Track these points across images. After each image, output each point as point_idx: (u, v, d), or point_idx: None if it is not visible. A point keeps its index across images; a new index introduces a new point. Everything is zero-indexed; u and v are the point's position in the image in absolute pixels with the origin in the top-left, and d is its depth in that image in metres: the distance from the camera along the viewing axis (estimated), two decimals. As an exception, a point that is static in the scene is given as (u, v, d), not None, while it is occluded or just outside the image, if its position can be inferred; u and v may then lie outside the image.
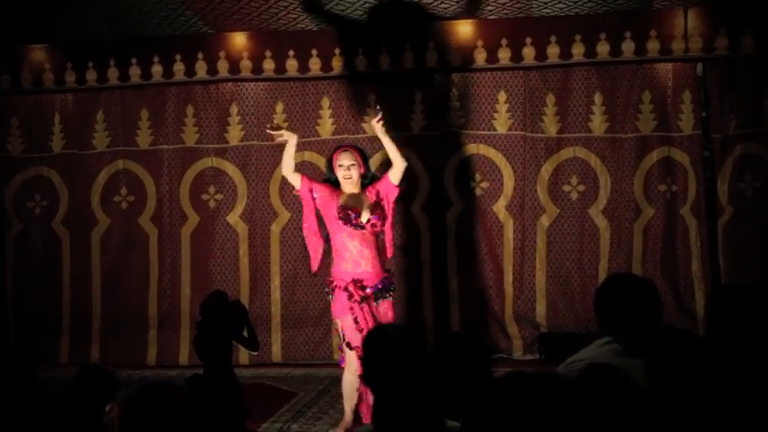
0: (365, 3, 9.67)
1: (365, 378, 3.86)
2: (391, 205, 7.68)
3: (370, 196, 7.64)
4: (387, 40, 10.18)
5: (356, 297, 7.43)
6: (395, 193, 7.68)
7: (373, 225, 7.54)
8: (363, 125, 10.25)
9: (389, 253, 7.78)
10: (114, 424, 4.55)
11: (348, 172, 7.61)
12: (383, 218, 7.59)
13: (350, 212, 7.52)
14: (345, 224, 7.53)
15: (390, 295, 7.63)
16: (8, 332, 10.65)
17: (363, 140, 9.97)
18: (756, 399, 3.77)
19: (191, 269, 10.58)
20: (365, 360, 3.88)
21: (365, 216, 7.52)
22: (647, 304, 4.34)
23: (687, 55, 9.86)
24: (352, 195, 7.65)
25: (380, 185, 7.68)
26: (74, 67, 10.66)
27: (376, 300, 7.53)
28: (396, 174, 7.64)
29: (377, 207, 7.59)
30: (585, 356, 4.23)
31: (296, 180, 7.70)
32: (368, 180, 7.76)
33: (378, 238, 7.67)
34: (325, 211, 7.64)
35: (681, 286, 9.97)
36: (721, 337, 4.06)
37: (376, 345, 3.84)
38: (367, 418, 7.61)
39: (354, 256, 7.55)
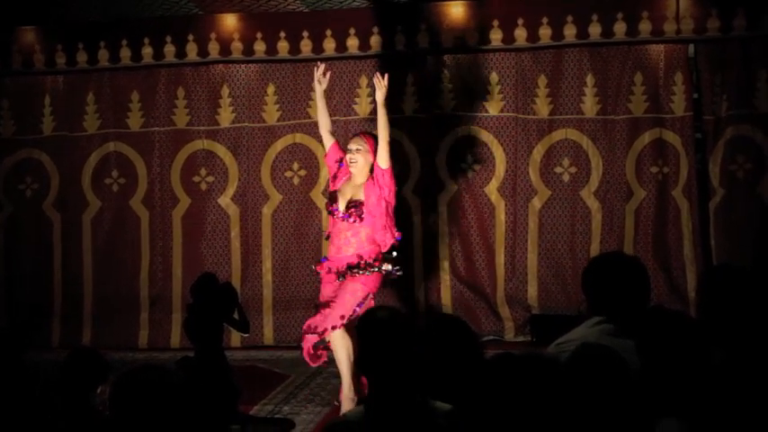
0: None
1: (358, 362, 3.87)
2: (387, 190, 7.58)
3: (365, 190, 7.63)
4: (378, 21, 10.16)
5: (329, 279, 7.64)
6: (384, 177, 7.57)
7: (352, 221, 7.61)
8: (354, 107, 10.24)
9: (391, 238, 7.67)
10: (106, 407, 4.55)
11: (353, 156, 7.62)
12: (360, 214, 7.57)
13: (330, 205, 7.73)
14: (329, 214, 7.74)
15: (360, 273, 7.57)
16: (-1, 315, 10.66)
17: (355, 122, 10.02)
18: (748, 379, 3.78)
19: (182, 252, 10.57)
20: (360, 345, 3.89)
21: (342, 207, 7.64)
22: (635, 282, 4.35)
23: (679, 36, 9.86)
24: (345, 185, 7.74)
25: (376, 176, 7.61)
26: (64, 49, 10.62)
27: (341, 277, 7.59)
28: (379, 154, 7.56)
29: (357, 203, 7.60)
30: (575, 337, 4.23)
31: (327, 144, 7.96)
32: None
33: (363, 232, 7.63)
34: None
35: (672, 268, 9.99)
36: (713, 318, 4.06)
37: (369, 329, 3.85)
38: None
39: (340, 242, 7.64)
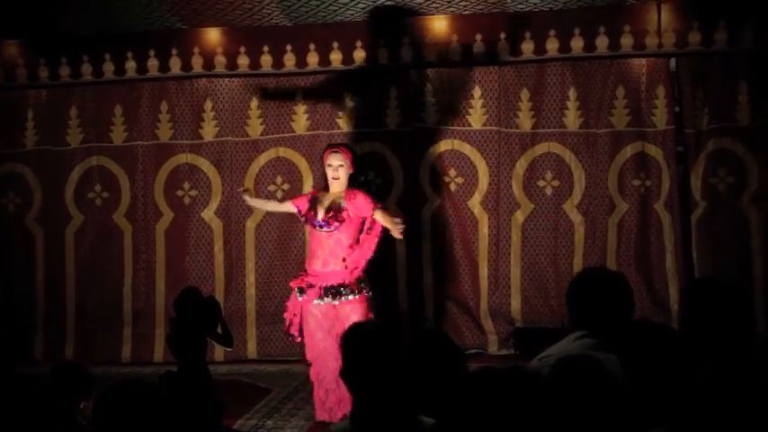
0: (358, 2, 9.68)
1: (343, 375, 3.87)
2: (370, 228, 7.87)
3: (346, 199, 7.83)
4: (362, 35, 10.18)
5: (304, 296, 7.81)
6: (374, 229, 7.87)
7: (327, 225, 7.78)
8: (338, 120, 10.25)
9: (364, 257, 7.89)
10: (89, 421, 4.54)
11: (336, 173, 7.87)
12: (339, 221, 7.75)
13: (310, 213, 7.87)
14: (306, 223, 7.96)
15: (352, 297, 7.78)
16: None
17: (338, 136, 10.01)
18: (731, 392, 3.79)
19: (165, 266, 10.55)
20: (344, 357, 3.89)
21: (320, 215, 7.81)
22: (619, 297, 4.36)
23: (660, 50, 9.90)
24: (326, 195, 7.94)
25: (363, 207, 7.81)
26: (47, 63, 10.60)
27: (334, 298, 7.74)
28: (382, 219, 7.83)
29: (338, 210, 7.78)
30: (557, 351, 4.24)
31: (290, 208, 8.18)
32: (361, 180, 8.03)
33: (343, 239, 7.81)
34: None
35: (655, 281, 10.01)
36: (695, 331, 4.07)
37: (354, 342, 3.85)
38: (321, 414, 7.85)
39: (325, 254, 7.81)
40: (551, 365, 3.65)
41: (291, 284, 8.00)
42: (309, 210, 7.89)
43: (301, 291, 7.82)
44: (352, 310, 7.71)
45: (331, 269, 7.74)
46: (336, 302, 7.72)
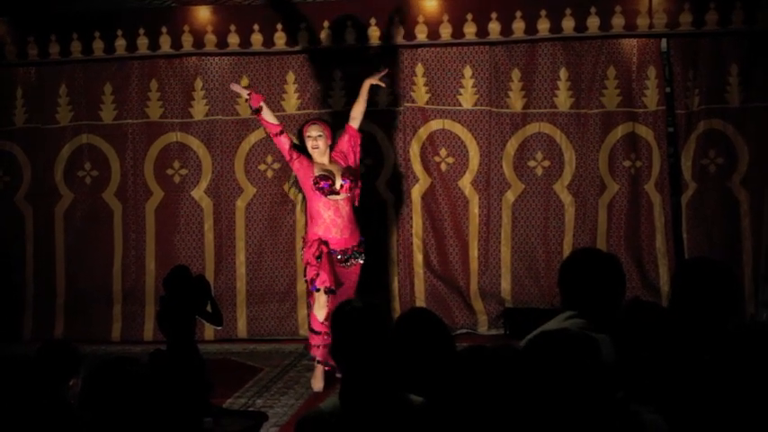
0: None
1: (333, 354, 3.88)
2: (358, 151, 8.53)
3: (340, 161, 8.34)
4: (352, 14, 10.13)
5: (319, 251, 8.14)
6: (357, 140, 8.50)
7: (349, 189, 8.25)
8: (328, 99, 10.23)
9: (356, 203, 8.48)
10: (77, 399, 4.53)
11: (315, 142, 8.24)
12: (356, 180, 8.31)
13: (323, 183, 8.17)
14: (321, 194, 8.18)
15: (357, 262, 8.49)
16: (-29, 308, 10.58)
17: (328, 115, 9.99)
18: (718, 372, 3.80)
19: (155, 244, 10.54)
20: (333, 335, 3.90)
21: (338, 183, 8.20)
22: (611, 279, 4.36)
23: (652, 31, 9.87)
24: (324, 165, 8.29)
25: (343, 139, 8.49)
26: (36, 41, 10.52)
27: (344, 262, 8.35)
28: (358, 122, 8.54)
29: (348, 172, 8.27)
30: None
31: (285, 145, 8.36)
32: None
33: (352, 204, 8.36)
34: (303, 180, 8.29)
35: (645, 261, 10.04)
36: (685, 311, 4.08)
37: (344, 321, 3.85)
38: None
39: (327, 224, 8.25)
40: (526, 340, 3.62)
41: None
42: (319, 178, 8.20)
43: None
44: (353, 272, 8.53)
45: (333, 236, 8.30)
46: (345, 265, 8.41)
